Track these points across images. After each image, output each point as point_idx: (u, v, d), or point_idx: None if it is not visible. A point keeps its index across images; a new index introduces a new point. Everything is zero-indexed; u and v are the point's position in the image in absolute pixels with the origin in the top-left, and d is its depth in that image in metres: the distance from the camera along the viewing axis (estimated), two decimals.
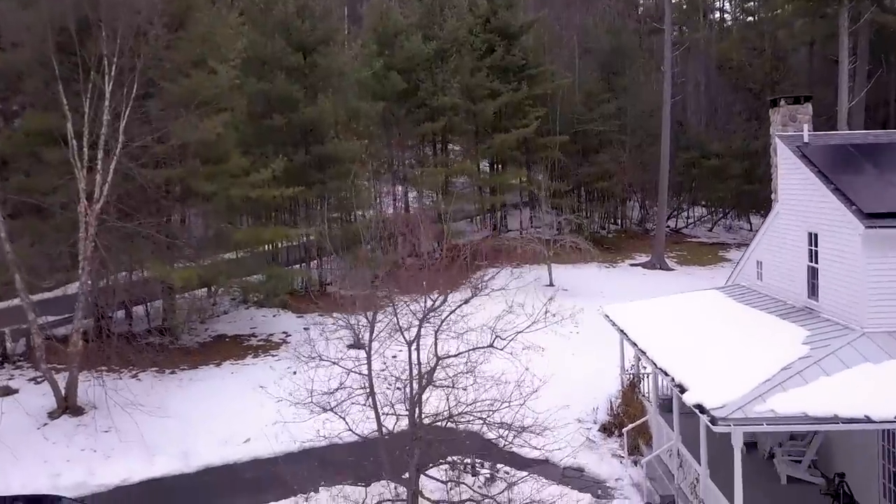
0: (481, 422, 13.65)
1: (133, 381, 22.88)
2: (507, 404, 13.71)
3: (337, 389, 14.73)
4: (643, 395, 19.02)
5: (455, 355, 14.04)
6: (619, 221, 47.45)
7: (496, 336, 13.73)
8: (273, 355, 25.32)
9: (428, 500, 14.04)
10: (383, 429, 14.33)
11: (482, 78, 37.37)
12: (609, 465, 17.47)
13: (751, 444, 16.26)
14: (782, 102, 17.62)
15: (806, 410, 11.27)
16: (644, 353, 15.62)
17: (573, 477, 16.93)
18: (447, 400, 14.25)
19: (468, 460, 16.81)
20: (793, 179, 16.52)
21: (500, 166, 42.75)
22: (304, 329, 26.01)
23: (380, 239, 18.50)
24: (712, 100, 50.94)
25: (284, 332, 27.32)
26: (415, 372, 13.81)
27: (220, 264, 23.63)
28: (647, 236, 46.25)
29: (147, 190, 23.26)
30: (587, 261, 40.57)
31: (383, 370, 15.55)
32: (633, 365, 19.47)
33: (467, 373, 13.81)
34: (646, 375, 19.46)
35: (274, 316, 28.95)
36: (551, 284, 35.85)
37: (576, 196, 43.02)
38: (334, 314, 15.65)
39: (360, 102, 31.61)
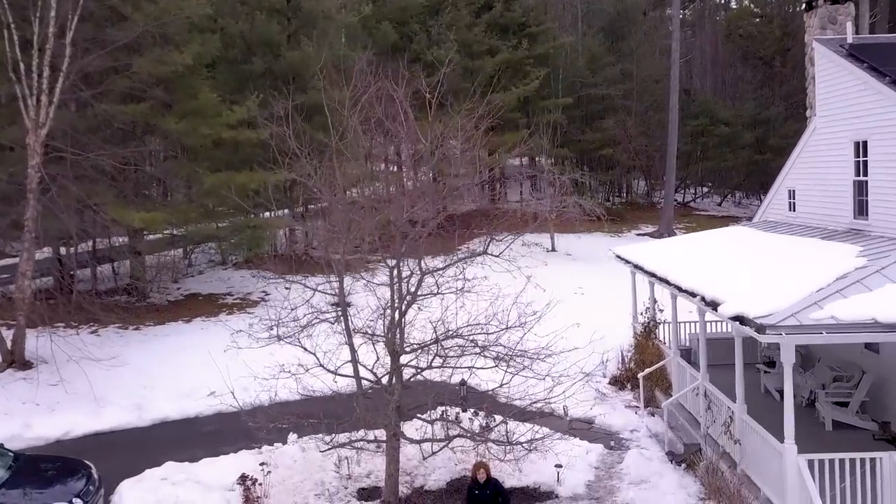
0: (473, 345, 11.43)
1: (92, 336, 20.69)
2: (503, 326, 11.52)
3: (310, 322, 12.56)
4: (659, 341, 16.79)
5: (443, 267, 11.83)
6: (624, 193, 45.28)
7: (491, 240, 11.52)
8: (250, 312, 23.10)
9: (410, 440, 11.83)
10: (360, 365, 12.15)
11: (480, 34, 35.19)
12: (622, 415, 15.26)
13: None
14: (819, 3, 15.40)
15: (876, 316, 9.06)
16: (664, 280, 13.41)
17: (581, 429, 14.72)
18: (434, 327, 12.05)
19: (458, 410, 14.62)
20: (836, 84, 14.32)
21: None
22: (286, 288, 23.83)
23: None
24: (720, 69, 48.75)
25: (264, 292, 25.11)
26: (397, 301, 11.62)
27: (189, 210, 21.38)
28: (654, 209, 44.05)
29: (108, 126, 21.11)
30: (591, 231, 38.47)
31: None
32: (647, 308, 17.23)
33: (459, 290, 11.59)
34: (663, 322, 17.24)
35: (253, 276, 26.71)
36: (553, 250, 33.76)
37: (578, 164, 40.73)
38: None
39: (348, 51, 29.39)
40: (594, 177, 37.72)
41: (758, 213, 18.33)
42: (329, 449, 11.77)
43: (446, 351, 11.57)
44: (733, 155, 42.64)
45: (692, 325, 17.30)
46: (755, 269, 12.20)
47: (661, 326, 17.31)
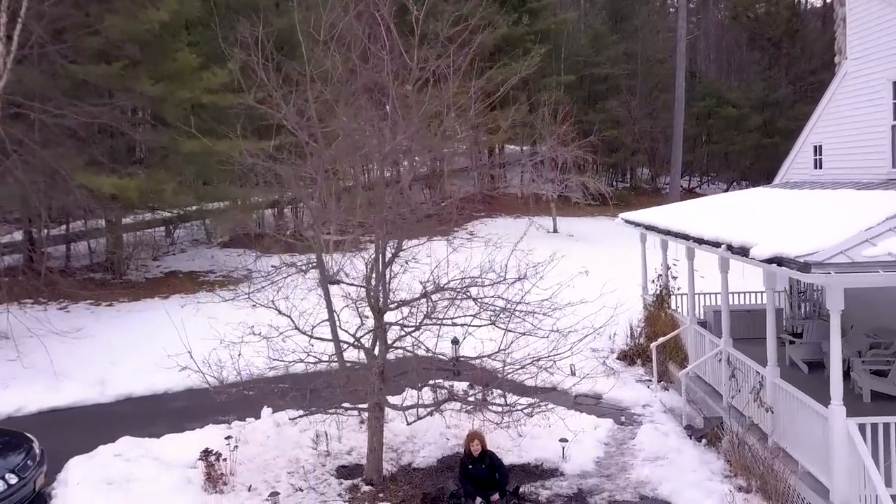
0: (467, 297, 10.00)
1: (61, 312, 19.28)
2: (501, 277, 10.10)
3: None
4: (673, 310, 15.38)
5: (434, 213, 10.42)
6: (628, 178, 43.86)
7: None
8: (231, 289, 21.61)
9: (394, 407, 10.43)
10: (338, 326, 10.74)
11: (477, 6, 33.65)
12: (633, 390, 13.84)
13: (815, 364, 12.67)
14: None
15: None
16: (681, 235, 11.98)
17: (588, 405, 13.30)
18: (423, 286, 10.63)
19: (450, 384, 13.22)
20: (870, 20, 12.90)
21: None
22: (273, 267, 22.39)
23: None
24: (725, 52, 47.33)
25: (248, 270, 23.61)
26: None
27: (165, 178, 19.94)
28: (658, 194, 42.59)
29: (79, 87, 19.70)
30: (595, 215, 37.10)
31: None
32: (659, 276, 15.81)
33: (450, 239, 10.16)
34: (677, 293, 15.81)
35: (238, 255, 25.26)
36: (555, 231, 32.35)
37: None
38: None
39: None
40: (597, 158, 36.16)
41: (778, 176, 16.91)
42: (302, 416, 10.37)
43: (436, 306, 10.12)
44: (741, 138, 41.21)
45: (708, 296, 15.90)
46: (787, 219, 10.79)
47: (674, 298, 15.89)
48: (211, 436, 11.57)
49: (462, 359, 10.58)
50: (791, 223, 10.18)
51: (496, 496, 9.46)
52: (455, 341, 11.74)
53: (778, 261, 8.25)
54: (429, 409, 10.25)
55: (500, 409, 10.03)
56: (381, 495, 10.05)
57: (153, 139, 21.53)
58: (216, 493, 10.16)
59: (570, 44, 38.29)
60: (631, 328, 16.50)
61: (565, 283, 10.34)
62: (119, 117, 19.60)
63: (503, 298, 9.87)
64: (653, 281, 15.95)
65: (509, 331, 9.95)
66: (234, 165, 11.42)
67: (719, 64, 48.60)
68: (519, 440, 11.37)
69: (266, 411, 12.67)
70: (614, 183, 43.72)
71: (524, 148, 33.68)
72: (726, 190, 47.45)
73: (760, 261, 8.59)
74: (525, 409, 10.03)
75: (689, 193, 44.88)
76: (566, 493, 9.98)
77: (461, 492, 9.60)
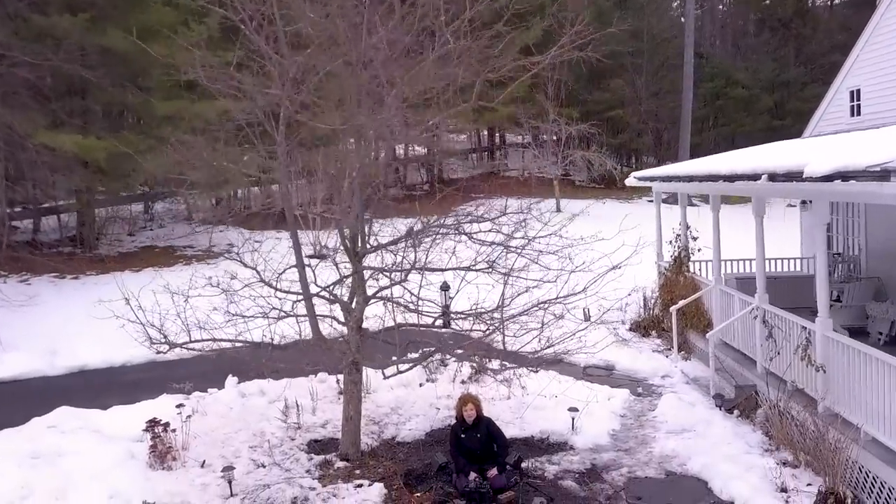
0: (459, 233, 8.42)
1: (22, 285, 17.68)
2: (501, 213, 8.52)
3: None
4: (693, 273, 13.78)
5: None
6: (633, 161, 42.18)
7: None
8: (210, 264, 20.07)
9: (371, 365, 8.85)
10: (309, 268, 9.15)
11: None
12: (650, 360, 12.26)
13: (856, 330, 11.04)
14: None
15: None
16: (710, 177, 10.39)
17: (599, 376, 11.70)
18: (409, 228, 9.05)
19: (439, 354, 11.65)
20: None
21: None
22: (257, 242, 20.78)
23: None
24: (732, 33, 45.71)
25: (230, 244, 22.06)
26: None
27: (137, 141, 18.34)
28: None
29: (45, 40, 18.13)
30: (599, 197, 35.51)
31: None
32: (678, 236, 14.22)
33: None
34: (696, 258, 14.19)
35: (221, 231, 23.73)
36: (558, 210, 30.78)
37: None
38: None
39: None
40: (602, 135, 34.53)
41: (807, 130, 15.31)
42: (264, 378, 8.78)
43: (422, 245, 8.53)
44: (750, 120, 39.52)
45: (733, 263, 14.33)
46: (837, 147, 9.18)
47: (693, 265, 14.26)
48: (165, 406, 9.98)
49: (456, 315, 8.95)
50: (843, 148, 8.58)
51: (494, 471, 7.86)
52: (445, 287, 10.14)
53: (842, 175, 6.65)
54: (412, 363, 8.62)
55: (499, 364, 8.40)
56: (357, 472, 8.47)
57: (124, 99, 19.93)
58: (163, 469, 8.59)
59: (573, 20, 36.57)
60: (644, 298, 14.94)
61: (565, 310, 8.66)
62: (85, 73, 17.97)
63: (503, 234, 8.28)
64: (670, 242, 14.33)
65: (510, 274, 8.35)
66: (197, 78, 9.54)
67: (725, 47, 46.97)
68: (521, 411, 9.81)
69: (231, 381, 11.11)
70: (619, 166, 42.04)
71: (528, 121, 32.01)
72: None
73: (817, 178, 6.98)
74: (532, 353, 8.39)
75: None
76: (577, 468, 8.39)
77: (453, 466, 8.02)
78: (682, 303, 12.22)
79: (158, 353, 9.19)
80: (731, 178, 9.49)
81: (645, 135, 39.79)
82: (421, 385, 11.11)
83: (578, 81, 37.41)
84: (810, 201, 14.52)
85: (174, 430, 8.86)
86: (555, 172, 30.98)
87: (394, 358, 8.44)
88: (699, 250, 14.00)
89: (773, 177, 8.26)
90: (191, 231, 23.42)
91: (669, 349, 12.59)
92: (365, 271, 8.81)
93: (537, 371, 8.49)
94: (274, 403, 10.31)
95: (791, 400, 8.74)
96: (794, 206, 32.50)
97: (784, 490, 7.51)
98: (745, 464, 8.07)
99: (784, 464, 8.04)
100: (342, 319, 9.06)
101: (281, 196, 9.08)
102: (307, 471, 8.56)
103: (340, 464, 8.72)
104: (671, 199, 22.43)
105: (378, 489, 7.92)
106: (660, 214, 15.08)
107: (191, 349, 8.92)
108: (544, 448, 9.01)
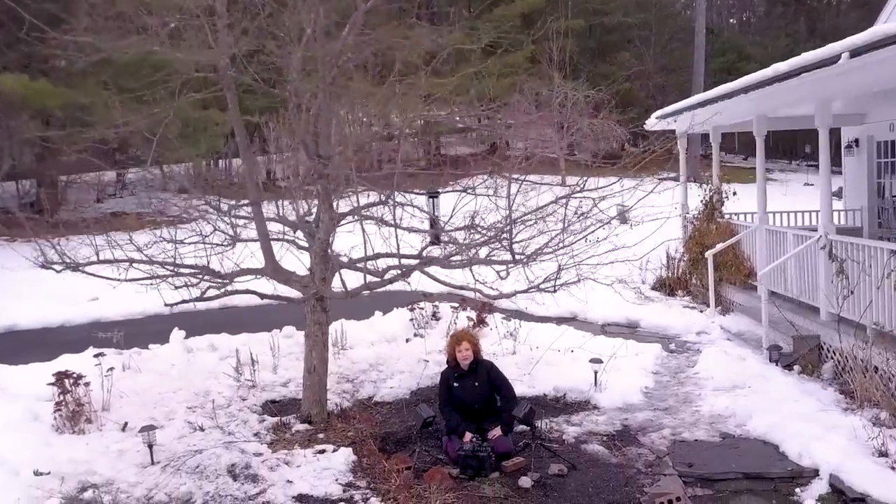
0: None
1: None
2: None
3: None
4: (730, 218, 11.86)
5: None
6: (640, 142, 40.28)
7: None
8: (181, 228, 18.16)
9: (338, 294, 6.96)
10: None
11: None
12: (681, 316, 10.36)
13: None
14: None
15: None
16: (760, 82, 8.45)
17: (621, 334, 9.79)
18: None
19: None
20: None
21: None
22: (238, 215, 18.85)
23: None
24: (740, 10, 43.83)
25: (205, 210, 20.14)
26: None
27: (95, 88, 16.41)
28: (673, 155, 38.95)
29: None
30: (605, 175, 33.63)
31: None
32: (709, 176, 12.35)
33: None
34: (729, 199, 12.28)
35: (198, 200, 21.78)
36: (564, 186, 28.90)
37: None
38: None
39: None
40: (611, 105, 32.52)
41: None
42: (187, 302, 6.93)
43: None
44: None
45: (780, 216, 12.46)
46: None
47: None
48: (89, 362, 8.07)
49: (448, 229, 6.98)
50: None
51: (496, 430, 5.97)
52: (433, 193, 8.22)
53: None
54: (385, 279, 6.63)
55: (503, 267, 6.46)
56: (320, 436, 6.57)
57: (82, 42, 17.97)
58: (73, 433, 6.70)
59: None
60: (668, 256, 13.01)
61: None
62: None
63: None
64: (703, 191, 12.39)
65: (518, 180, 6.45)
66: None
67: (738, 21, 45.11)
68: (529, 368, 7.89)
69: (176, 335, 9.23)
70: (625, 145, 40.19)
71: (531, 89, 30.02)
72: (745, 158, 43.95)
73: None
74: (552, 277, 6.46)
75: (705, 158, 41.37)
76: (604, 430, 6.48)
77: (442, 425, 6.13)
78: (720, 246, 10.30)
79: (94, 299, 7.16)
80: (792, 74, 7.56)
81: (653, 110, 37.87)
82: (408, 340, 9.22)
83: (584, 54, 35.52)
84: (856, 143, 12.64)
85: (87, 384, 6.96)
86: (560, 145, 29.08)
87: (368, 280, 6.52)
88: (734, 193, 12.11)
89: (855, 52, 6.36)
90: (164, 200, 21.48)
91: (703, 305, 10.68)
92: (332, 184, 6.90)
93: (556, 290, 6.56)
94: (226, 360, 8.41)
95: (872, 347, 6.86)
96: (812, 185, 30.61)
97: (884, 454, 5.61)
98: (824, 423, 6.17)
99: (875, 422, 6.14)
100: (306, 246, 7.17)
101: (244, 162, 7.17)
102: (256, 434, 6.66)
103: (300, 427, 6.83)
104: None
105: (344, 456, 6.02)
106: (685, 160, 13.20)
107: (103, 277, 6.96)
108: (560, 408, 7.11)
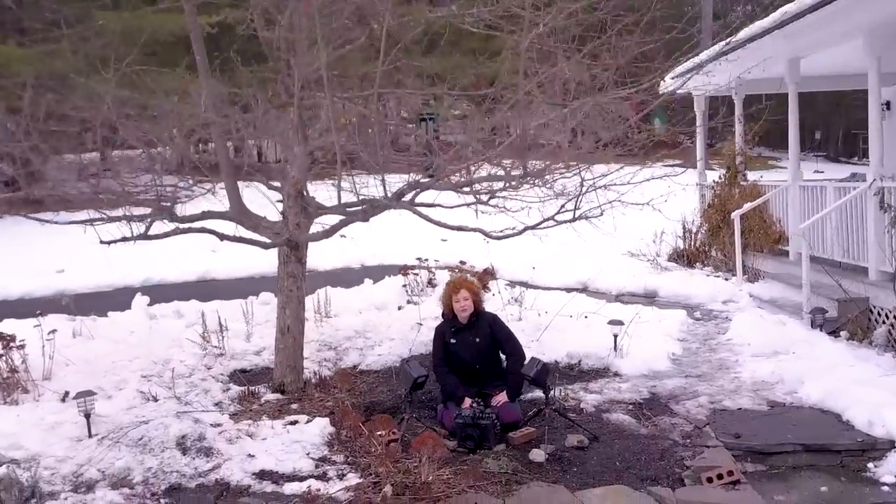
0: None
1: None
2: None
3: None
4: (756, 180, 10.84)
5: None
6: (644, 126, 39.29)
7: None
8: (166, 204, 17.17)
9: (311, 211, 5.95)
10: None
11: None
12: (704, 284, 9.35)
13: None
14: None
15: None
16: (799, 15, 7.44)
17: (636, 302, 8.76)
18: None
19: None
20: None
21: None
22: (221, 188, 17.79)
23: None
24: None
25: (192, 192, 19.14)
26: None
27: (74, 58, 15.37)
28: (678, 145, 37.95)
29: None
30: (607, 161, 32.67)
31: None
32: (731, 131, 11.34)
33: None
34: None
35: (186, 180, 20.75)
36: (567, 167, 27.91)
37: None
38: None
39: None
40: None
41: None
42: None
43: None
44: None
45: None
46: None
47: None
48: (35, 330, 7.07)
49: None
50: None
51: (501, 396, 4.98)
52: (428, 117, 7.22)
53: None
54: (376, 206, 5.58)
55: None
56: (293, 406, 5.59)
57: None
58: (6, 403, 5.71)
59: None
60: (684, 227, 11.99)
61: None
62: None
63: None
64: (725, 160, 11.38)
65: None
66: None
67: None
68: (537, 334, 6.87)
69: (139, 300, 8.24)
70: (629, 134, 39.17)
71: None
72: (751, 148, 42.88)
73: None
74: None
75: (709, 146, 40.32)
76: (629, 397, 5.48)
77: (443, 389, 5.13)
78: (748, 205, 9.28)
79: None
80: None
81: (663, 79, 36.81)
82: (400, 308, 8.22)
83: (586, 31, 34.39)
84: (887, 105, 11.62)
85: (22, 347, 5.97)
86: (563, 135, 28.06)
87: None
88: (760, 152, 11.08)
89: None
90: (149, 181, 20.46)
91: (728, 273, 9.67)
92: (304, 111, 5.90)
93: (575, 219, 5.55)
94: (193, 327, 7.40)
95: None
96: (822, 172, 29.66)
97: None
98: (892, 390, 5.16)
99: None
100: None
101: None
102: (217, 404, 5.67)
103: (271, 396, 5.84)
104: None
105: (319, 427, 5.02)
106: (704, 121, 12.21)
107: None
108: (575, 375, 6.11)
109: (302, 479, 4.35)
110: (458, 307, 5.06)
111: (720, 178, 11.17)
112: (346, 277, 10.42)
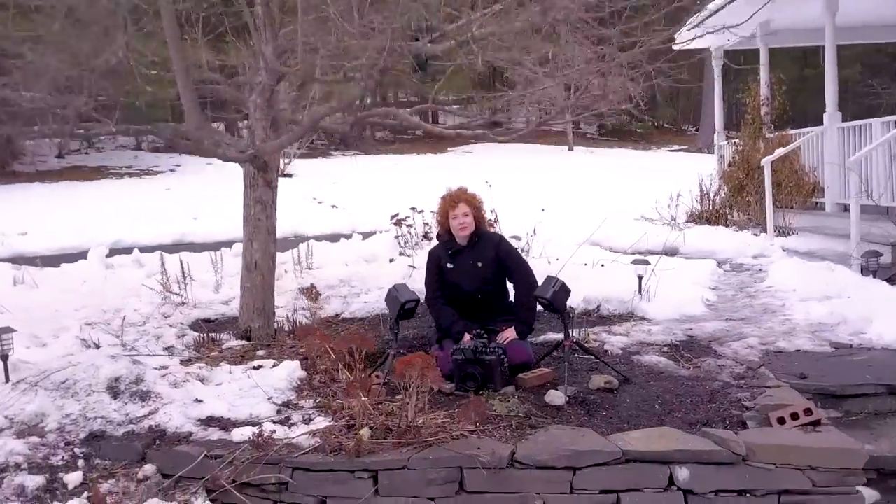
0: None
1: None
2: None
3: None
4: (783, 132, 9.89)
5: None
6: (647, 110, 38.38)
7: None
8: (146, 179, 16.37)
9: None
10: None
11: None
12: (731, 239, 8.38)
13: None
14: None
15: None
16: None
17: (655, 257, 7.82)
18: None
19: None
20: None
21: None
22: (207, 164, 16.86)
23: None
24: None
25: (177, 164, 18.29)
26: None
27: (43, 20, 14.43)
28: (684, 134, 37.16)
29: None
30: (612, 146, 31.86)
31: None
32: (752, 81, 10.42)
33: None
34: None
35: (170, 158, 19.89)
36: (571, 149, 27.14)
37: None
38: None
39: None
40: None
41: None
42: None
43: None
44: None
45: None
46: None
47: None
48: None
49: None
50: None
51: (509, 331, 4.06)
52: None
53: None
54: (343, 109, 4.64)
55: None
56: (259, 353, 4.66)
57: None
58: None
59: None
60: (701, 189, 11.07)
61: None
62: None
63: None
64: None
65: None
66: None
67: None
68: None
69: (97, 250, 7.31)
70: (632, 120, 38.27)
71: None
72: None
73: None
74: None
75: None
76: (662, 339, 4.57)
77: (437, 324, 4.22)
78: (780, 151, 8.32)
79: None
80: None
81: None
82: (391, 261, 7.28)
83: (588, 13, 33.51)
84: None
85: None
86: (566, 113, 27.20)
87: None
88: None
89: None
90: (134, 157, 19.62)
91: (761, 227, 8.73)
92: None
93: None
94: (155, 277, 6.47)
95: None
96: None
97: None
98: None
99: None
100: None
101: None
102: (167, 348, 4.76)
103: (234, 343, 4.93)
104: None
105: (287, 371, 4.12)
106: (721, 74, 11.31)
107: None
108: (594, 321, 5.18)
109: (257, 424, 3.44)
110: (455, 224, 4.14)
111: (745, 128, 10.22)
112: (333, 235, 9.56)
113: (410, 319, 4.45)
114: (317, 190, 14.33)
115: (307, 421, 3.43)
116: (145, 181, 15.79)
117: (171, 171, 17.21)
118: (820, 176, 8.36)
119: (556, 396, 3.58)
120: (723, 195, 10.57)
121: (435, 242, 5.19)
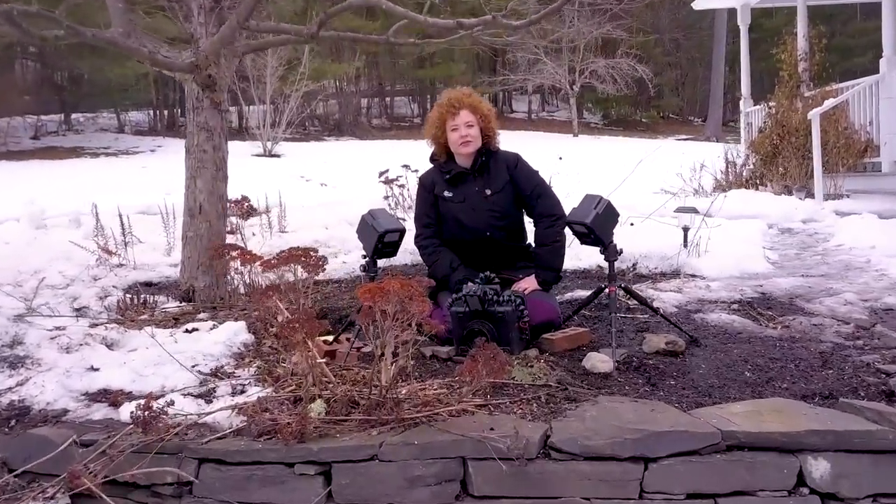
0: None
1: None
2: None
3: None
4: (825, 88, 8.79)
5: None
6: (652, 108, 37.29)
7: None
8: (122, 158, 15.29)
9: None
10: None
11: None
12: (774, 203, 7.25)
13: None
14: None
15: None
16: None
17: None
18: None
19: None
20: None
21: None
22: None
23: None
24: None
25: (159, 146, 17.20)
26: None
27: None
28: (689, 124, 36.12)
29: None
30: (616, 134, 30.90)
31: None
32: (789, 34, 9.34)
33: None
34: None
35: (153, 140, 18.80)
36: (576, 135, 26.14)
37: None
38: None
39: None
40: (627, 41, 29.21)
41: None
42: None
43: None
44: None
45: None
46: None
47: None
48: None
49: None
50: None
51: (529, 281, 2.98)
52: None
53: None
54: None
55: None
56: (200, 315, 3.57)
57: None
58: None
59: None
60: (727, 160, 9.97)
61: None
62: None
63: None
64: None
65: None
66: None
67: None
68: (570, 239, 4.83)
69: (29, 209, 6.21)
70: (638, 110, 37.15)
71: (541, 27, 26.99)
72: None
73: None
74: None
75: (723, 126, 38.44)
76: (728, 296, 3.49)
77: (432, 271, 3.13)
78: (829, 102, 7.20)
79: None
80: None
81: (670, 67, 34.92)
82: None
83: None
84: None
85: None
86: (570, 86, 26.15)
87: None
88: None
89: None
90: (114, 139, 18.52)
91: (805, 189, 7.63)
92: None
93: None
94: (95, 239, 5.39)
95: None
96: None
97: None
98: None
99: None
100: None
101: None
102: (78, 310, 3.68)
103: (171, 306, 3.83)
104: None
105: (228, 334, 3.06)
106: (746, 37, 10.25)
107: None
108: (631, 279, 4.10)
109: (159, 396, 2.35)
110: (455, 138, 3.03)
111: (779, 88, 9.13)
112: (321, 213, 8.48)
113: (393, 258, 3.36)
114: (306, 169, 13.33)
115: (237, 393, 2.35)
116: (122, 160, 14.72)
117: (152, 151, 16.11)
118: (873, 133, 7.27)
119: (599, 361, 2.49)
120: (751, 165, 9.50)
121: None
